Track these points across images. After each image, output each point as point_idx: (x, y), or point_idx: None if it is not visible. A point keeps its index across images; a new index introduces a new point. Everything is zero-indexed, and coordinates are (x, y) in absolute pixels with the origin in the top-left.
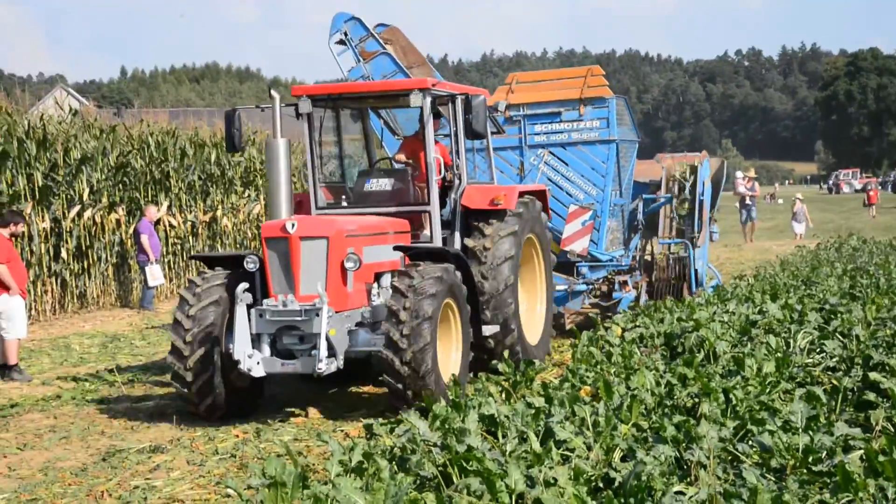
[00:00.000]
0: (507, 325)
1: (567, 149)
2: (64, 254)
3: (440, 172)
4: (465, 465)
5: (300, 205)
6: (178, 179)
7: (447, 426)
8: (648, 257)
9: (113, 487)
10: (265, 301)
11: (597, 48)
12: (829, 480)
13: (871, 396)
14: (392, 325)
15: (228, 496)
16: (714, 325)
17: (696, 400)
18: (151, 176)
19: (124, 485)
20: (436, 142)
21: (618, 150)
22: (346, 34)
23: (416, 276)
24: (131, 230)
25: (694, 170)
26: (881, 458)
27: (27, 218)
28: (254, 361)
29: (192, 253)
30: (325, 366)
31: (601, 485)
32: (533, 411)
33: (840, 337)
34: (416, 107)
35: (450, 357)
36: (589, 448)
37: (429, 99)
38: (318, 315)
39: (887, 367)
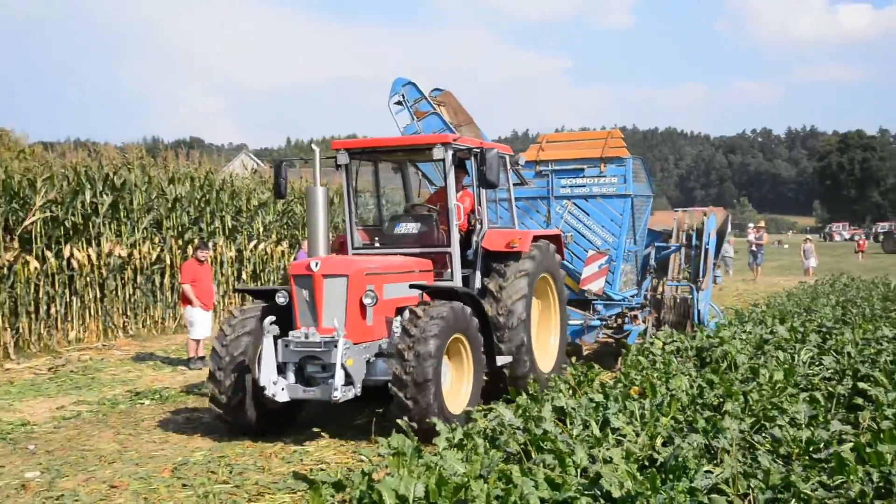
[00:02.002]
0: (520, 357)
1: (588, 201)
2: (244, 276)
3: (460, 217)
4: (541, 444)
5: (342, 245)
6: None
7: (527, 414)
8: (659, 296)
9: (278, 451)
10: (291, 332)
11: (644, 125)
12: (826, 466)
13: (860, 401)
14: (398, 363)
15: (362, 461)
16: (735, 341)
17: (721, 400)
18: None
19: (286, 449)
20: (465, 189)
21: (633, 204)
22: (403, 96)
23: (424, 317)
24: (292, 259)
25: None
26: (867, 449)
27: (220, 249)
28: (278, 388)
29: None
30: (341, 393)
31: (647, 463)
32: (594, 404)
33: (834, 353)
34: (439, 159)
35: (461, 388)
36: (637, 434)
37: (450, 152)
38: (336, 346)
39: (872, 378)
